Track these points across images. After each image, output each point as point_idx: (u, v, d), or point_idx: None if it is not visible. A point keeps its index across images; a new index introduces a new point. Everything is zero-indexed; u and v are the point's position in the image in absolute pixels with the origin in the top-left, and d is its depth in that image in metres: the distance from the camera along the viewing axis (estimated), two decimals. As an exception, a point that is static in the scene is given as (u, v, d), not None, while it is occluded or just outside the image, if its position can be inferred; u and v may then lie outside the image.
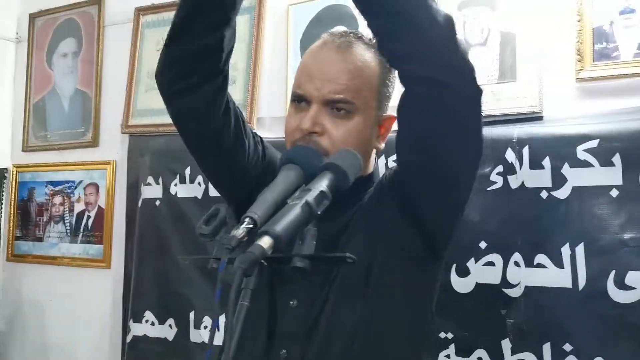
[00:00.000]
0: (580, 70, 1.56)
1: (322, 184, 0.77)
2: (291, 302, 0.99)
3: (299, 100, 1.03)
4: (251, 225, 0.71)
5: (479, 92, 0.92)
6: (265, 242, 0.67)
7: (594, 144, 1.47)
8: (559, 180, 1.50)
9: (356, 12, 1.87)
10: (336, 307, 0.97)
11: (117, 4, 2.49)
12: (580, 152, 1.48)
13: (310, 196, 0.74)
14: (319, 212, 0.75)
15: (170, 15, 2.30)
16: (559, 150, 1.51)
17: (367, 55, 1.04)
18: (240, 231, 0.70)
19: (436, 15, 0.88)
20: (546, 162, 1.51)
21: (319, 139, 0.98)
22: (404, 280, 0.99)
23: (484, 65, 1.68)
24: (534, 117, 1.61)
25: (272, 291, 1.01)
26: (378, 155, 1.17)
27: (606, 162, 1.45)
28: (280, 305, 1.00)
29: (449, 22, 0.89)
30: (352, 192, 0.97)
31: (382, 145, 1.09)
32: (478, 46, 1.71)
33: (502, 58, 1.67)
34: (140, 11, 2.40)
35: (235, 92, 2.12)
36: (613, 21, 1.54)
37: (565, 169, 1.49)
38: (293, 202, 0.74)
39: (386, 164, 1.69)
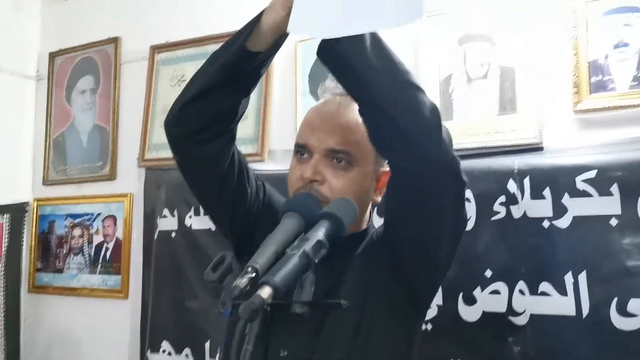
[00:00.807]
0: (578, 102, 1.61)
1: (319, 233, 0.83)
2: (282, 353, 1.03)
3: (302, 152, 1.09)
4: (253, 275, 0.77)
5: (463, 184, 0.97)
6: (265, 292, 0.73)
7: (592, 174, 1.51)
8: (559, 210, 1.54)
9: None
10: (324, 354, 1.01)
11: (133, 42, 2.59)
12: (580, 183, 1.52)
13: (308, 245, 0.80)
14: (316, 261, 0.81)
15: (183, 52, 2.43)
16: (559, 181, 1.55)
17: None
18: (243, 280, 0.76)
19: (421, 108, 0.90)
20: (547, 192, 1.55)
21: (320, 187, 1.04)
22: (389, 329, 1.04)
23: (485, 98, 1.74)
24: (534, 148, 1.66)
25: (268, 337, 1.05)
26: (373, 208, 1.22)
27: (605, 192, 1.49)
28: (271, 353, 1.03)
29: (434, 114, 0.92)
30: (348, 245, 1.03)
31: (379, 199, 1.14)
32: (479, 79, 1.76)
33: (502, 91, 1.72)
34: (155, 49, 2.50)
35: (247, 126, 2.20)
36: (608, 55, 1.59)
37: (566, 199, 1.53)
38: (292, 252, 0.79)
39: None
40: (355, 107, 1.07)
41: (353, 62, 0.90)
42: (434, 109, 0.92)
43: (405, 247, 1.02)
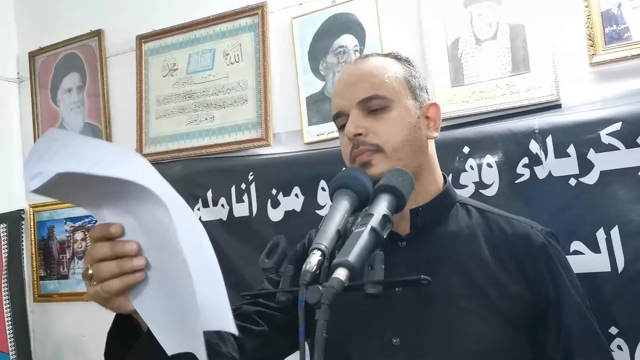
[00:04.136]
0: (594, 54, 1.57)
1: (382, 207, 0.77)
2: (394, 340, 0.99)
3: (342, 123, 1.05)
4: (320, 257, 0.72)
5: None
6: (342, 274, 0.67)
7: (617, 126, 1.47)
8: (585, 166, 1.50)
9: (362, 20, 1.88)
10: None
11: (117, 34, 2.50)
12: (604, 137, 1.48)
13: (375, 221, 0.74)
14: (384, 236, 0.75)
15: (172, 40, 2.33)
16: (583, 137, 1.51)
17: (384, 60, 1.09)
18: (312, 265, 0.71)
19: None
20: (571, 149, 1.51)
21: (367, 139, 1.00)
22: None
23: (496, 59, 1.69)
24: (552, 106, 1.62)
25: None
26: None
27: (631, 144, 1.45)
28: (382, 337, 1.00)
29: None
30: (434, 214, 1.01)
31: (436, 134, 1.09)
32: (488, 41, 1.71)
33: (513, 50, 1.67)
34: (142, 39, 2.41)
35: (248, 110, 2.13)
36: (621, 3, 1.54)
37: (591, 155, 1.49)
38: (358, 230, 0.74)
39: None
40: (371, 58, 1.08)
41: None
42: None
43: None
